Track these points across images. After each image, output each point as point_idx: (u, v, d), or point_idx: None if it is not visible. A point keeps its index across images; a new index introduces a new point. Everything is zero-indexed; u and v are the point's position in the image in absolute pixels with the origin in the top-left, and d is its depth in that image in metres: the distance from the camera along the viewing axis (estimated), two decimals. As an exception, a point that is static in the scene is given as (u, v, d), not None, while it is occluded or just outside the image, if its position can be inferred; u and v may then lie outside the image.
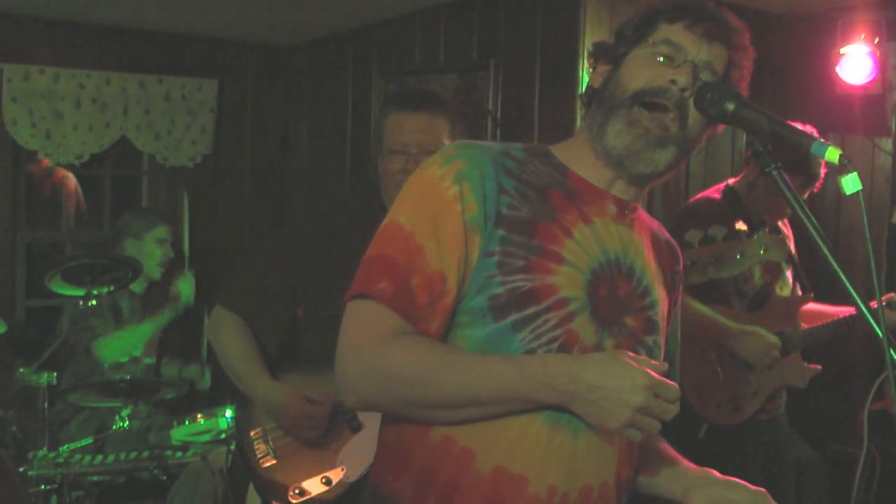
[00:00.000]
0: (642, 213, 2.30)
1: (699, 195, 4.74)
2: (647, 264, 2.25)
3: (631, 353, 2.01)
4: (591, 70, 2.24)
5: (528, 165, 2.18)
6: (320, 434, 3.23)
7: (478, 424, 2.07)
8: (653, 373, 1.96)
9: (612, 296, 2.15)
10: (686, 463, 2.38)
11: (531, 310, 2.06)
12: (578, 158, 2.21)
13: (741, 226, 3.40)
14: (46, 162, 6.46)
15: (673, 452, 2.41)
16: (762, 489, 2.25)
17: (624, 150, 2.14)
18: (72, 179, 7.05)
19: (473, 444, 2.09)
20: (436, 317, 2.07)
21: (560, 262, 2.09)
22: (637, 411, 1.94)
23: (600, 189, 2.19)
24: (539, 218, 2.11)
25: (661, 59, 2.14)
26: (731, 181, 4.64)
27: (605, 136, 2.15)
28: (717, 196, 4.59)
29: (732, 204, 4.50)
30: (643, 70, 2.14)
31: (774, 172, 2.10)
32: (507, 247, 2.07)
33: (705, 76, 2.14)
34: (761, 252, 3.12)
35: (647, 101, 2.12)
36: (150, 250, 5.71)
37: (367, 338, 2.07)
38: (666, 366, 2.04)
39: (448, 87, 6.12)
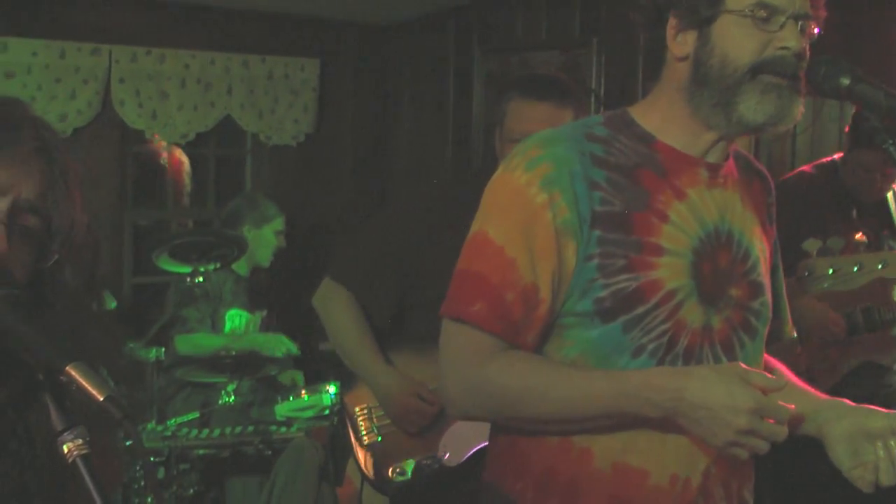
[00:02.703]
0: (730, 161, 2.21)
1: (794, 171, 4.65)
2: (744, 220, 2.20)
3: (743, 367, 1.97)
4: (672, 34, 2.10)
5: (614, 144, 2.11)
6: (422, 428, 3.22)
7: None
8: (762, 390, 1.92)
9: (716, 270, 2.12)
10: (813, 392, 2.27)
11: (639, 310, 2.03)
12: (668, 127, 2.13)
13: (860, 237, 3.31)
14: (161, 143, 6.57)
15: (796, 379, 2.30)
16: None
17: (768, 118, 2.06)
18: (185, 158, 7.15)
19: (590, 444, 2.08)
20: (532, 328, 2.06)
21: (660, 253, 2.06)
22: (740, 433, 1.91)
23: (692, 157, 2.13)
24: (633, 208, 2.06)
25: (759, 21, 2.03)
26: (836, 156, 4.54)
27: (737, 112, 2.06)
28: (811, 170, 4.50)
29: (827, 178, 4.40)
30: (746, 40, 2.04)
31: (892, 149, 2.05)
32: (606, 247, 2.03)
33: (807, 29, 2.05)
34: (879, 267, 3.02)
35: (768, 72, 2.03)
36: (268, 239, 5.76)
37: (467, 358, 2.07)
38: (784, 382, 2.00)
39: (551, 65, 6.08)
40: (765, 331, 2.23)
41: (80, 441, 1.27)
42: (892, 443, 2.09)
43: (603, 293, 2.02)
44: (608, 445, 2.07)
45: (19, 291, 1.36)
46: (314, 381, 5.28)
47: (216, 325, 5.52)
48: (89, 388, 1.23)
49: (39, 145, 1.45)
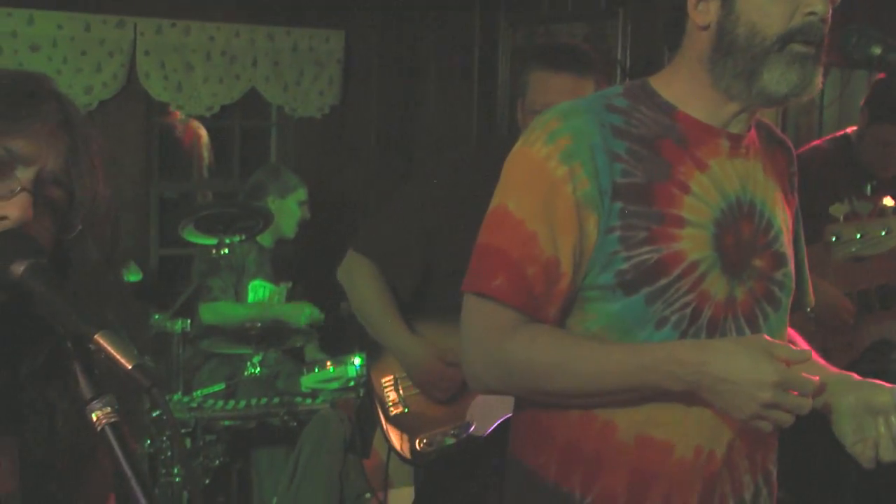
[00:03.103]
0: (752, 131, 2.19)
1: (808, 145, 4.59)
2: (766, 190, 2.18)
3: (767, 339, 1.97)
4: (693, 2, 2.06)
5: (634, 115, 2.09)
6: (452, 395, 3.23)
7: None
8: (786, 362, 1.91)
9: (738, 242, 2.10)
10: (824, 364, 2.24)
11: (662, 282, 2.02)
12: (690, 97, 2.11)
13: (888, 201, 3.28)
14: (178, 114, 6.57)
15: (813, 353, 2.25)
16: None
17: (791, 89, 2.04)
18: (203, 131, 7.16)
19: (613, 417, 2.08)
20: (553, 302, 2.05)
21: (682, 225, 2.05)
22: (764, 407, 1.90)
23: (714, 127, 2.11)
24: (655, 179, 2.05)
25: None
26: (849, 130, 4.48)
27: (760, 83, 2.03)
28: (824, 145, 4.45)
29: (841, 152, 4.35)
30: (773, 6, 2.00)
31: None
32: (627, 219, 2.02)
33: None
34: None
35: (797, 41, 2.01)
36: (291, 210, 5.74)
37: (489, 333, 2.07)
38: (809, 353, 1.99)
39: (576, 37, 6.05)
40: (788, 301, 2.22)
41: (108, 409, 1.28)
42: (894, 419, 2.07)
43: (625, 265, 2.02)
44: (631, 418, 2.06)
45: (46, 260, 1.37)
46: (339, 352, 5.29)
47: (239, 296, 5.54)
48: (118, 357, 1.23)
49: (63, 119, 1.46)
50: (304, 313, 5.49)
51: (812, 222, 2.54)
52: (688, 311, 2.03)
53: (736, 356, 1.92)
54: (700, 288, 2.04)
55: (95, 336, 1.25)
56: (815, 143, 4.56)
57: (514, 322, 2.04)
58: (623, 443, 2.07)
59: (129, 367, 1.22)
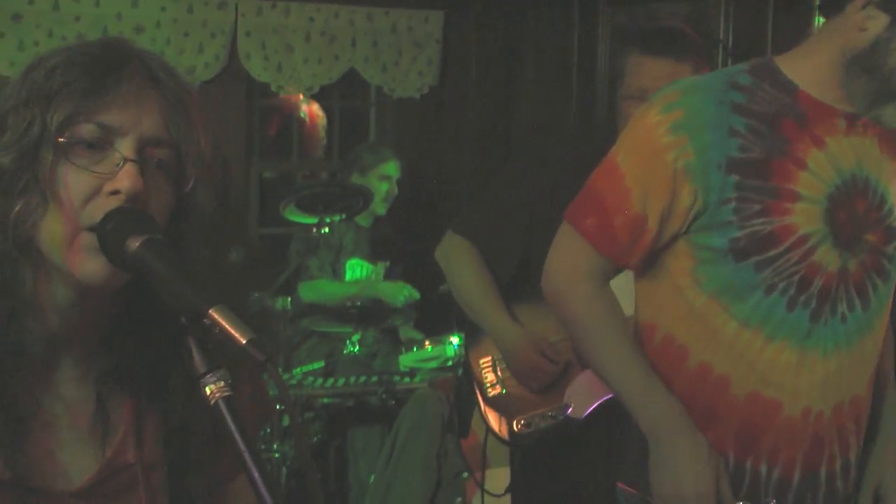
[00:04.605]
0: None
1: None
2: (881, 167, 2.26)
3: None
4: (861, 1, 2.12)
5: (758, 93, 2.20)
6: (544, 386, 3.21)
7: (731, 353, 2.21)
8: None
9: (852, 217, 2.20)
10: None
11: (772, 252, 2.15)
12: (814, 76, 2.20)
13: None
14: (298, 96, 6.63)
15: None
16: None
17: None
18: (321, 112, 7.20)
19: (727, 372, 2.22)
20: (635, 253, 2.26)
21: (796, 199, 2.15)
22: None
23: (832, 107, 2.19)
24: (772, 155, 2.16)
25: None
26: None
27: (880, 111, 2.16)
28: None
29: None
30: None
31: None
32: (743, 192, 2.15)
33: None
34: None
35: None
36: (374, 185, 5.73)
37: (566, 267, 2.32)
38: None
39: (677, 16, 5.98)
40: None
41: (222, 383, 1.28)
42: None
43: (738, 234, 2.15)
44: (745, 375, 2.21)
45: (161, 236, 1.38)
46: (437, 332, 5.29)
47: (337, 275, 5.57)
48: (232, 332, 1.23)
49: (149, 76, 1.44)
50: (402, 293, 5.51)
51: None
52: (795, 279, 2.16)
53: (689, 466, 2.16)
54: (810, 259, 2.15)
55: (210, 311, 1.25)
56: None
57: (590, 266, 2.27)
58: (735, 397, 2.22)
59: (244, 342, 1.22)
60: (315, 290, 5.42)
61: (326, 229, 5.26)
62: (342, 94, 7.02)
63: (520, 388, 3.25)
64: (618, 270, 2.34)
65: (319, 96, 6.71)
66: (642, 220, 2.20)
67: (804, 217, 2.15)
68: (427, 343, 5.10)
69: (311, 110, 7.14)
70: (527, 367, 3.19)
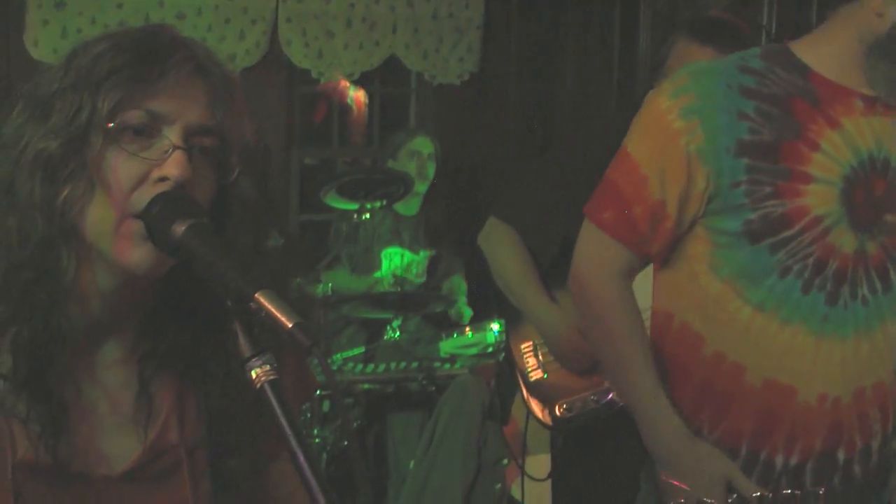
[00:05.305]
0: None
1: None
2: None
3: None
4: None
5: (769, 76, 2.19)
6: (586, 368, 3.21)
7: (745, 339, 2.21)
8: None
9: (869, 198, 2.18)
10: None
11: (785, 234, 2.14)
12: (828, 59, 2.19)
13: None
14: (344, 82, 6.63)
15: None
16: None
17: None
18: (366, 98, 7.20)
19: (742, 358, 2.22)
20: (657, 240, 2.25)
21: (808, 181, 2.14)
22: None
23: (848, 88, 2.18)
24: (783, 138, 2.15)
25: None
26: None
27: None
28: None
29: None
30: None
31: None
32: (754, 174, 2.14)
33: None
34: None
35: None
36: (404, 164, 5.72)
37: (590, 266, 2.32)
38: None
39: (719, 2, 5.93)
40: None
41: (267, 367, 1.28)
42: None
43: (752, 216, 2.14)
44: (759, 362, 2.20)
45: (206, 220, 1.38)
46: (478, 318, 5.29)
47: (373, 263, 5.57)
48: (278, 315, 1.23)
49: (196, 65, 1.45)
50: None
51: None
52: (810, 261, 2.15)
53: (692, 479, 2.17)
54: (824, 241, 2.14)
55: (256, 295, 1.25)
56: None
57: (612, 259, 2.27)
58: (750, 384, 2.21)
59: (290, 326, 1.22)
60: (340, 278, 5.44)
61: (367, 215, 5.26)
62: (382, 81, 7.02)
63: (561, 372, 3.25)
64: (644, 263, 2.34)
65: (359, 83, 6.71)
66: (661, 205, 2.20)
67: (818, 198, 2.14)
68: (468, 329, 5.10)
69: (357, 97, 7.15)
70: (568, 350, 3.19)
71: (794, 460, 2.22)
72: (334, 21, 6.37)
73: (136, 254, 1.39)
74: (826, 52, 2.19)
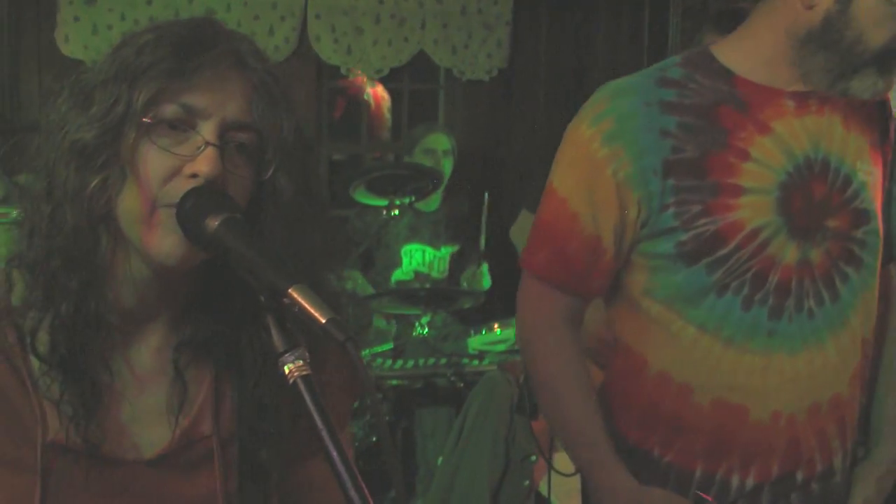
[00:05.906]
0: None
1: None
2: (846, 144, 2.13)
3: None
4: None
5: (689, 85, 2.09)
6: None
7: (691, 359, 2.11)
8: None
9: (808, 204, 2.08)
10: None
11: (721, 252, 2.04)
12: (753, 60, 2.09)
13: None
14: (362, 78, 6.64)
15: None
16: None
17: (874, 94, 2.06)
18: (385, 94, 7.19)
19: (688, 380, 2.13)
20: (596, 277, 2.16)
21: (739, 194, 2.04)
22: None
23: (774, 88, 2.08)
24: (709, 151, 2.05)
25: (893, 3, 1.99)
26: None
27: (847, 85, 2.04)
28: None
29: None
30: (886, 21, 1.99)
31: None
32: (681, 195, 2.05)
33: None
34: None
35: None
36: (417, 161, 5.66)
37: (530, 317, 2.25)
38: None
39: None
40: (874, 260, 2.18)
41: (300, 362, 1.28)
42: None
43: (684, 237, 2.05)
44: (706, 382, 2.11)
45: (240, 215, 1.38)
46: (507, 315, 5.28)
47: (392, 260, 5.57)
48: (312, 311, 1.22)
49: (235, 59, 1.44)
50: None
51: None
52: (748, 276, 2.05)
53: None
54: (763, 254, 2.04)
55: (289, 290, 1.25)
56: None
57: (552, 307, 2.20)
58: (699, 405, 2.12)
59: (324, 322, 1.21)
60: (356, 278, 5.43)
61: (396, 211, 5.26)
62: (411, 77, 7.02)
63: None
64: (587, 302, 2.27)
65: (388, 79, 6.71)
66: (596, 240, 2.11)
67: (752, 211, 2.04)
68: (496, 326, 5.09)
69: (375, 92, 7.16)
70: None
71: (750, 482, 2.13)
72: (363, 17, 6.39)
73: (166, 244, 1.39)
74: (750, 53, 2.09)
